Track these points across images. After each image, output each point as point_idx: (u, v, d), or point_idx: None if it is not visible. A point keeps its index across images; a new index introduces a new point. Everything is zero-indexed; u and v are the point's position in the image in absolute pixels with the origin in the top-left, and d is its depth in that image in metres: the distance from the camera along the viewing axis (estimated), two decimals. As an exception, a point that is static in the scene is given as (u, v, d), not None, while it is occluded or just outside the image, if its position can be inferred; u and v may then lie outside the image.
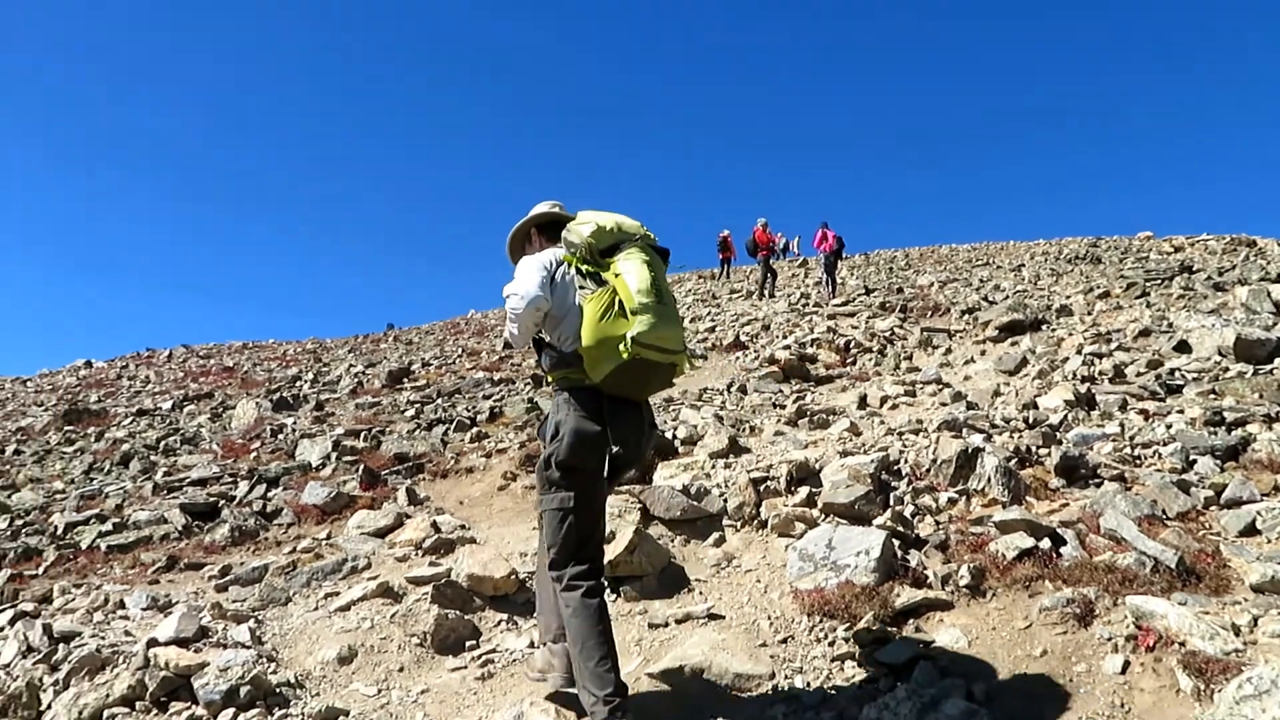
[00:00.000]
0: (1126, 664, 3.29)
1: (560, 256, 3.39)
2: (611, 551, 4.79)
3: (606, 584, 3.60)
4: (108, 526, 6.65)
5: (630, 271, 3.25)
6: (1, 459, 10.62)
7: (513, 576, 4.73)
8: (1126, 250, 21.19)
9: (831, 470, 5.59)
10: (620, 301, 3.18)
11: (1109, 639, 3.45)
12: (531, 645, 4.17)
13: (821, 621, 4.04)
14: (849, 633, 3.87)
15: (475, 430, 8.80)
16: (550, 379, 3.44)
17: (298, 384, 14.30)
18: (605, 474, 3.31)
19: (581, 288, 3.29)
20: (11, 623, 4.63)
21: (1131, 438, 5.82)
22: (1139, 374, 7.70)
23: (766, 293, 21.36)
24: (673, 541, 5.26)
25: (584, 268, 3.32)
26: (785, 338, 13.46)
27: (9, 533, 6.95)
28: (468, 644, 4.27)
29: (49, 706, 3.76)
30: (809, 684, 3.62)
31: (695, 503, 5.48)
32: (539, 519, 3.58)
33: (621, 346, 3.12)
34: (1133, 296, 12.52)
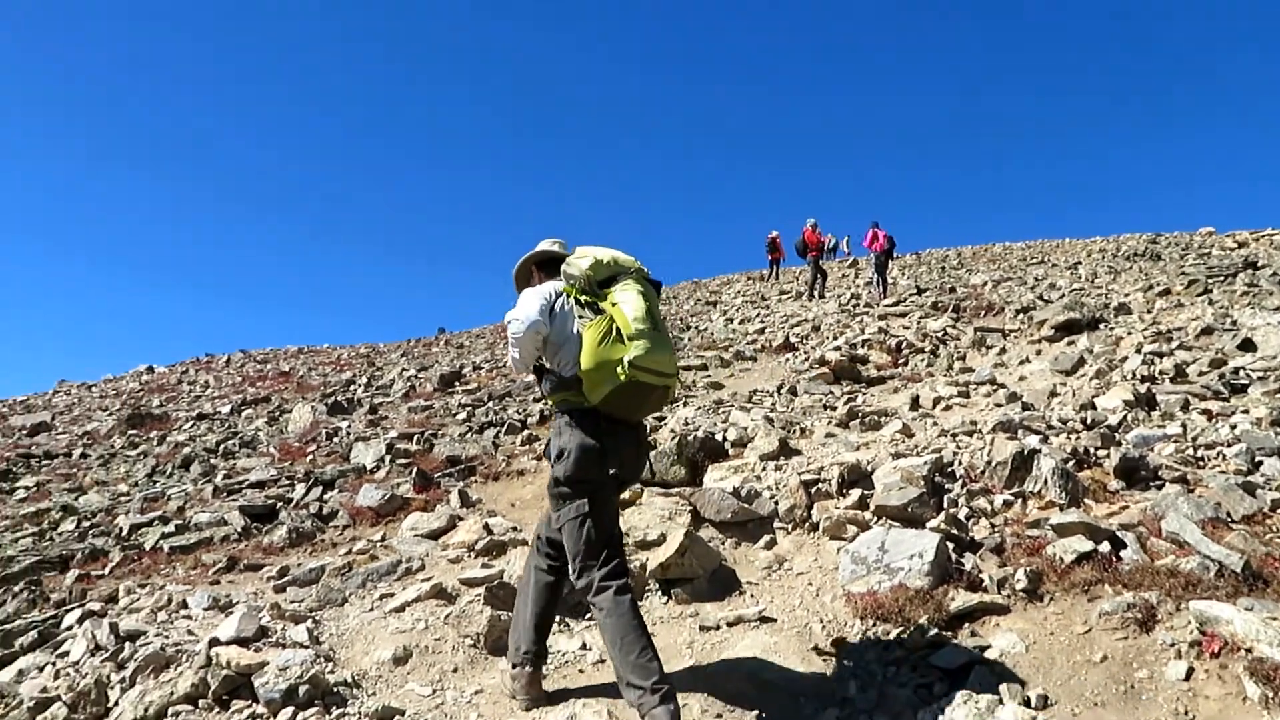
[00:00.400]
0: (1190, 670, 3.22)
1: (560, 288, 3.61)
2: (662, 554, 4.81)
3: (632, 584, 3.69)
4: (170, 528, 6.81)
5: (627, 301, 3.47)
6: (69, 462, 10.93)
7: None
8: (1187, 246, 20.69)
9: (884, 472, 5.54)
10: (617, 328, 3.40)
11: (1172, 645, 3.38)
12: (584, 646, 4.21)
13: (874, 625, 4.01)
14: (903, 636, 3.83)
15: (526, 433, 8.86)
16: (550, 402, 3.68)
17: (352, 388, 14.52)
18: (611, 486, 3.54)
19: (580, 316, 3.50)
20: (80, 621, 4.77)
21: (1194, 439, 5.69)
22: (1201, 373, 7.52)
23: (816, 293, 21.21)
24: (723, 544, 5.25)
25: (582, 298, 3.53)
26: (836, 339, 13.35)
27: (76, 534, 7.16)
28: (520, 645, 4.30)
29: (116, 704, 3.86)
30: (863, 688, 3.59)
31: (746, 505, 5.46)
32: (538, 538, 3.86)
33: (619, 369, 3.33)
34: (1194, 294, 12.23)
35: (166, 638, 4.35)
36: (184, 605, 4.97)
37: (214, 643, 4.05)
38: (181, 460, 9.76)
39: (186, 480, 8.80)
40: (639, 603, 4.12)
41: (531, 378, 3.83)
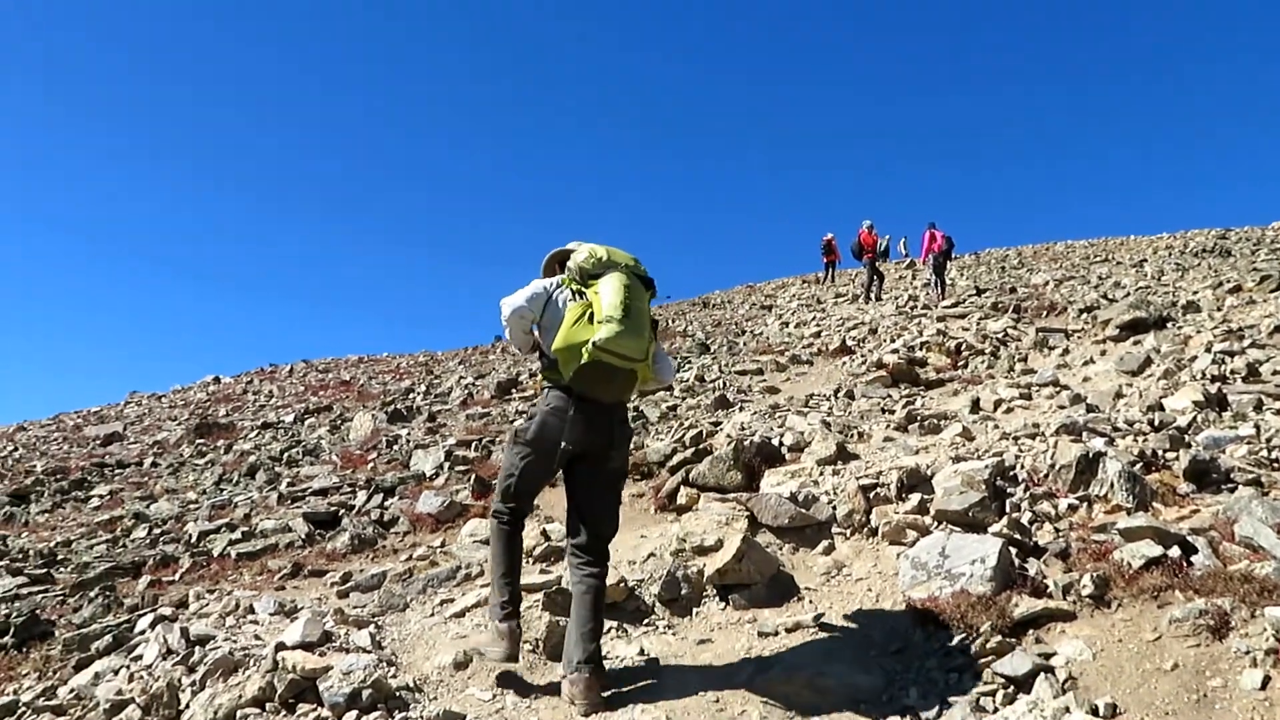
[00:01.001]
0: (1267, 679, 3.12)
1: (561, 280, 4.03)
2: (719, 560, 4.79)
3: (524, 527, 4.22)
4: (237, 535, 6.98)
5: (606, 289, 3.82)
6: (140, 471, 11.27)
7: (621, 584, 4.76)
8: (1259, 241, 20.06)
9: (944, 476, 5.45)
10: (592, 313, 3.77)
11: (1246, 652, 3.27)
12: (642, 652, 4.21)
13: (936, 631, 3.94)
14: (965, 643, 3.77)
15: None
16: (541, 378, 4.09)
17: (411, 396, 14.74)
18: (560, 458, 3.89)
19: (569, 304, 3.87)
20: (152, 625, 4.90)
21: (1268, 440, 5.51)
22: (1275, 371, 7.29)
23: (873, 295, 21.00)
24: (781, 549, 5.22)
25: (574, 287, 3.92)
26: (893, 341, 13.20)
27: (148, 541, 7.37)
28: (579, 651, 4.32)
29: (187, 706, 3.96)
30: (924, 695, 3.54)
31: (803, 510, 5.42)
32: (569, 549, 4.14)
33: (584, 349, 3.68)
34: (1267, 290, 11.85)
35: (234, 642, 4.45)
36: (251, 610, 5.08)
37: (280, 647, 4.13)
38: (247, 468, 10.00)
39: (252, 488, 9.01)
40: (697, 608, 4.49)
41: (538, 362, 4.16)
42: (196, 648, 4.39)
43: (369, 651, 4.21)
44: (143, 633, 4.89)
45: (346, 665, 3.95)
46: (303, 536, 6.78)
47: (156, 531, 7.63)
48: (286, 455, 10.60)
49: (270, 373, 22.64)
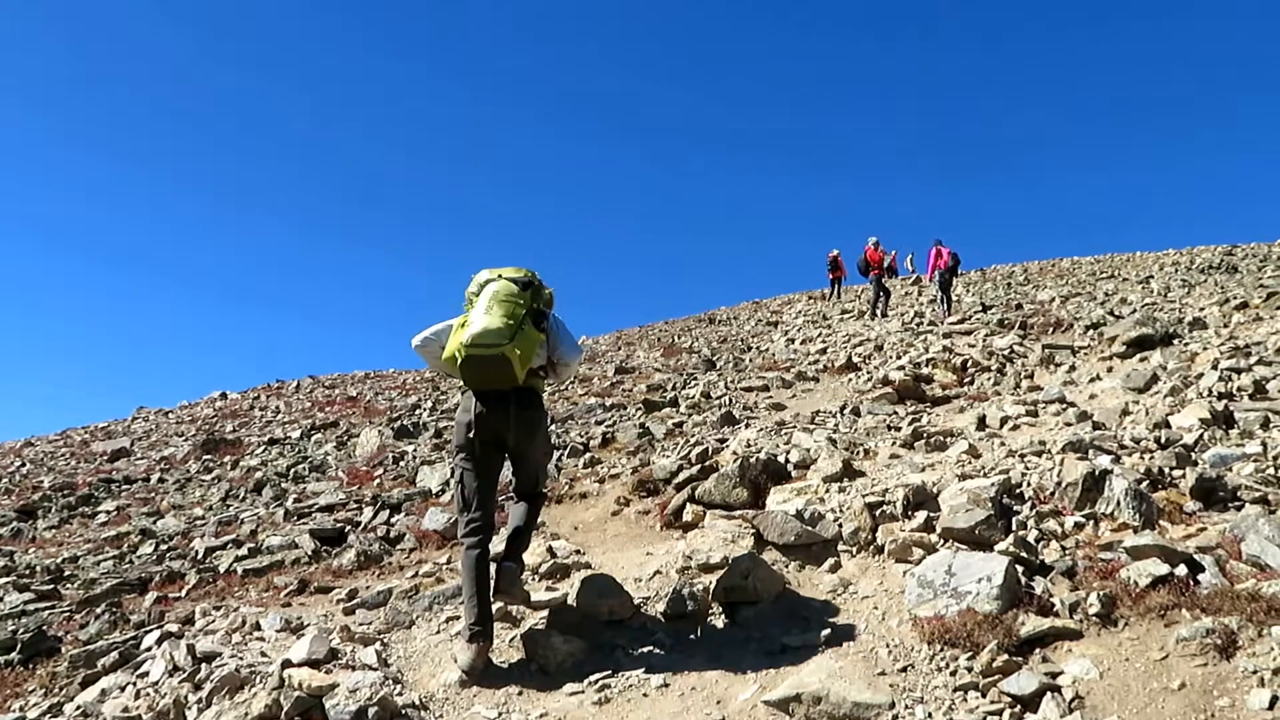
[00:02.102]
0: (1274, 699, 3.11)
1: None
2: (725, 578, 4.80)
3: (493, 536, 4.66)
4: (244, 551, 6.99)
5: (478, 299, 4.52)
6: (147, 487, 11.30)
7: (628, 601, 4.77)
8: (1266, 258, 20.06)
9: (950, 494, 5.44)
10: (466, 323, 4.45)
11: (1254, 672, 3.27)
12: (648, 670, 4.20)
13: (942, 650, 3.93)
14: (972, 662, 3.76)
15: (588, 455, 8.91)
16: None
17: (417, 412, 14.75)
18: (491, 449, 4.53)
19: None
20: (159, 642, 4.92)
21: (1275, 458, 5.49)
22: (1282, 389, 7.27)
23: (879, 312, 21.01)
24: (787, 567, 5.22)
25: (466, 308, 4.60)
26: (899, 358, 13.20)
27: (155, 557, 7.39)
28: (585, 669, 4.32)
29: (194, 723, 3.97)
30: (930, 714, 3.53)
31: (809, 528, 5.42)
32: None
33: (457, 352, 4.35)
34: (1274, 307, 11.84)
35: (241, 659, 4.47)
36: (257, 627, 5.09)
37: (286, 664, 4.15)
38: (254, 484, 10.03)
39: (259, 504, 9.03)
40: (703, 625, 4.53)
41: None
42: (203, 665, 4.41)
43: (375, 669, 4.22)
44: (149, 649, 4.91)
45: (353, 683, 3.97)
46: (309, 553, 6.79)
47: (163, 548, 7.65)
48: (293, 471, 10.62)
49: (277, 389, 22.69)
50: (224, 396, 22.38)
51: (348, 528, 7.38)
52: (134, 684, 4.48)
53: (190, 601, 6.04)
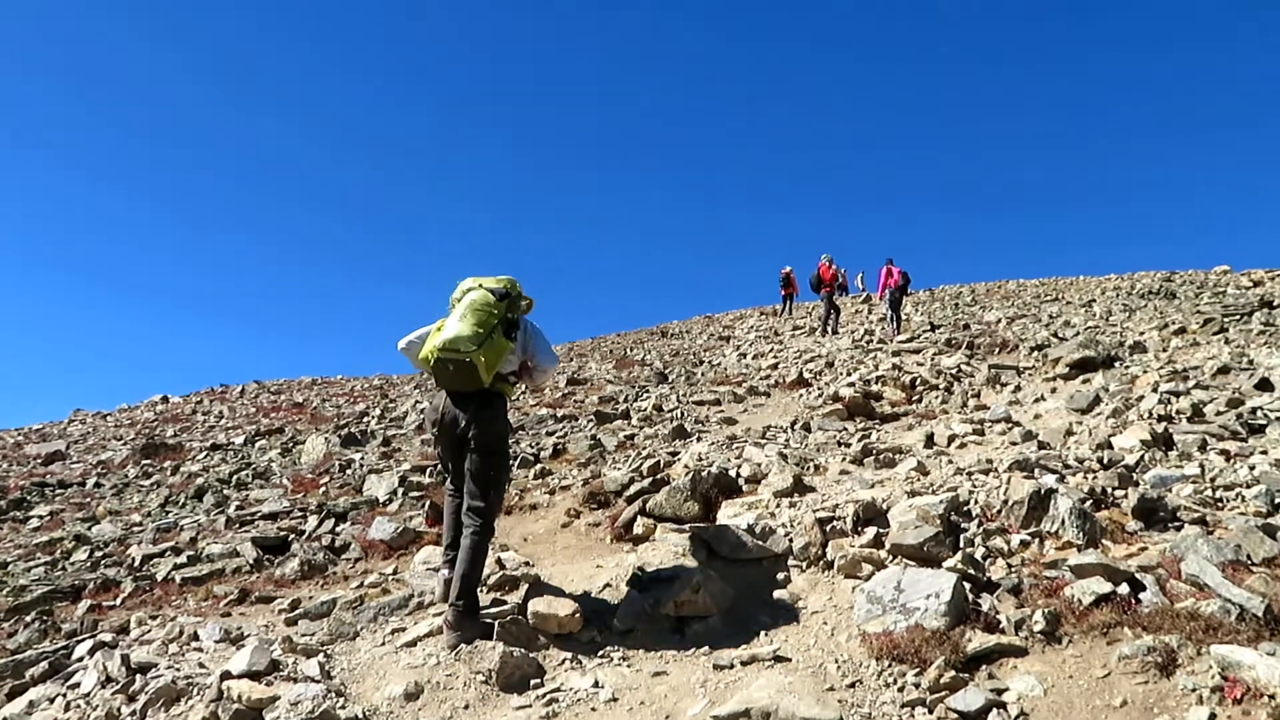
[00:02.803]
0: (1212, 716, 3.18)
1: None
2: (675, 591, 4.78)
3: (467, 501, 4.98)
4: (182, 559, 6.81)
5: (456, 307, 4.88)
6: (83, 491, 10.97)
7: (577, 614, 4.72)
8: (1202, 285, 20.60)
9: (899, 510, 5.50)
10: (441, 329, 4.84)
11: (1193, 690, 3.33)
12: (596, 684, 4.17)
13: (890, 666, 3.96)
14: (919, 678, 3.79)
15: (539, 467, 8.85)
16: None
17: (365, 420, 14.55)
18: (454, 444, 4.95)
19: None
20: (91, 652, 4.77)
21: (1212, 479, 5.63)
22: (1219, 413, 7.47)
23: (830, 329, 21.21)
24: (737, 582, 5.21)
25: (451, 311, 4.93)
26: (849, 375, 13.33)
27: (89, 564, 7.17)
28: (532, 682, 4.26)
29: (126, 736, 3.85)
30: (878, 730, 3.54)
31: (760, 542, 5.43)
32: None
33: (429, 354, 4.77)
34: (1210, 333, 12.18)
35: (178, 670, 4.34)
36: (195, 637, 4.96)
37: (226, 676, 4.04)
38: (195, 491, 9.79)
39: (199, 511, 8.81)
40: (653, 639, 4.64)
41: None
42: (138, 676, 4.28)
43: (318, 681, 4.13)
44: (81, 659, 4.75)
45: (295, 695, 3.88)
46: (251, 562, 6.64)
47: (98, 554, 7.42)
48: (236, 478, 10.39)
49: (220, 393, 22.23)
50: (165, 400, 21.86)
51: (291, 536, 7.23)
52: (64, 695, 4.33)
53: (125, 610, 5.87)
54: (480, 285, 4.92)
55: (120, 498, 10.30)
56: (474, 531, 4.79)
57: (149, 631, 5.20)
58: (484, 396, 4.88)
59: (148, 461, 12.65)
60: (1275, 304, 14.23)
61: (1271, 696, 3.12)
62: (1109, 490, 5.58)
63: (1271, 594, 3.87)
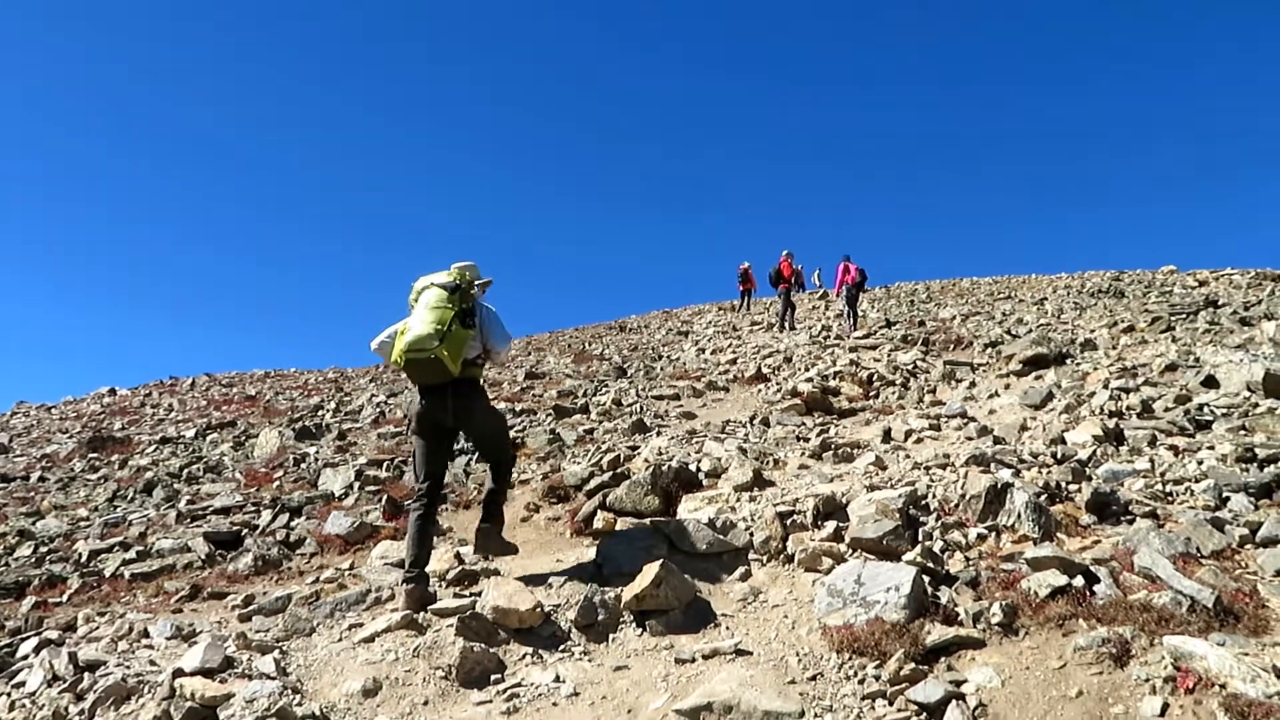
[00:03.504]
0: (1165, 706, 3.23)
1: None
2: (637, 586, 4.77)
3: (436, 507, 5.47)
4: (131, 554, 6.67)
5: (415, 307, 5.22)
6: (26, 486, 10.68)
7: (538, 609, 4.69)
8: (1150, 284, 21.04)
9: (859, 505, 5.54)
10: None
11: (1146, 680, 3.39)
12: (557, 679, 4.14)
13: (851, 659, 3.98)
14: (879, 670, 3.81)
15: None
16: None
17: (320, 413, 14.34)
18: (434, 433, 5.27)
19: None
20: (36, 650, 4.65)
21: (1162, 474, 5.75)
22: (1167, 409, 7.62)
23: (787, 325, 21.33)
24: (698, 576, 5.22)
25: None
26: (807, 370, 13.42)
27: (33, 560, 6.98)
28: (493, 678, 4.23)
29: (74, 736, 3.75)
30: (839, 723, 3.56)
31: (721, 536, 5.44)
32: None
33: (398, 357, 5.07)
34: (1158, 331, 12.43)
35: (128, 668, 4.24)
36: (145, 634, 4.85)
37: (178, 673, 3.96)
38: (144, 485, 9.58)
39: (149, 505, 8.63)
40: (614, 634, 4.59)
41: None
42: (86, 674, 4.18)
43: (273, 678, 4.06)
44: (25, 657, 4.63)
45: (249, 692, 3.81)
46: (202, 557, 6.52)
47: (43, 550, 7.23)
48: (186, 472, 10.18)
49: (170, 385, 21.80)
50: (113, 393, 21.38)
51: (245, 531, 7.11)
52: (8, 694, 4.21)
53: (72, 607, 5.74)
54: (432, 284, 5.24)
55: (66, 492, 10.05)
56: (496, 479, 5.55)
57: (97, 629, 5.08)
58: (458, 385, 5.19)
59: (95, 455, 12.35)
60: (1220, 303, 14.57)
61: (1222, 686, 3.18)
62: (1063, 484, 5.67)
63: (1220, 585, 3.96)
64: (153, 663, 4.40)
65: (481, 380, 5.55)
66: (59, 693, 4.04)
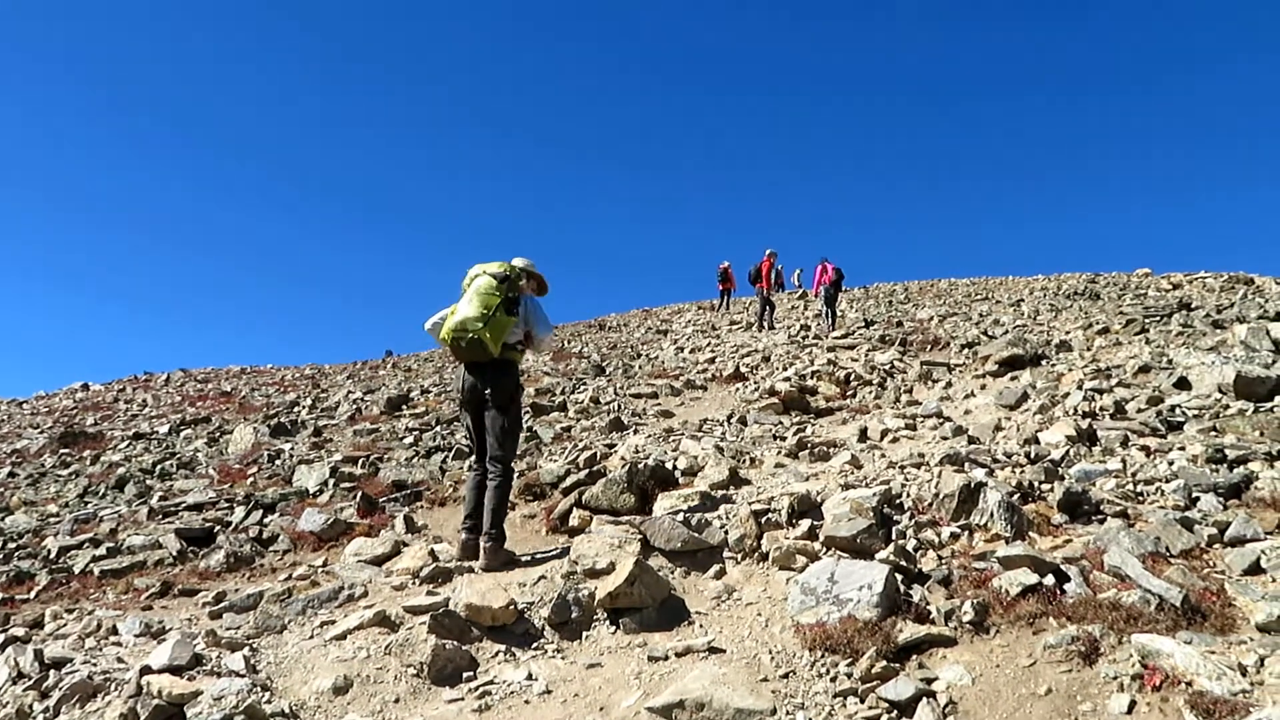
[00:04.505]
0: (1133, 704, 3.25)
1: None
2: (611, 583, 4.77)
3: (488, 469, 5.83)
4: (101, 551, 6.60)
5: (466, 291, 5.80)
6: (-4, 481, 10.55)
7: (511, 607, 4.68)
8: (1125, 287, 21.24)
9: (833, 503, 5.56)
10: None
11: (1114, 678, 3.41)
12: (530, 677, 4.13)
13: (824, 656, 3.99)
14: (851, 668, 3.82)
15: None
16: None
17: (296, 410, 14.26)
18: (475, 407, 5.85)
19: None
20: (2, 648, 4.57)
21: (1134, 474, 5.80)
22: (1140, 410, 7.68)
23: (765, 324, 21.39)
24: (673, 573, 5.22)
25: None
26: (785, 370, 13.45)
27: (1, 556, 6.89)
28: (465, 675, 4.21)
29: (39, 734, 3.70)
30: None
31: (696, 534, 5.44)
32: None
33: (445, 335, 5.73)
34: (1132, 333, 12.53)
35: (94, 665, 4.19)
36: (114, 631, 4.80)
37: (145, 671, 3.91)
38: (116, 481, 9.48)
39: (120, 502, 8.55)
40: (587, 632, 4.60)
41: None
42: (51, 671, 4.12)
43: (243, 675, 4.02)
44: (-10, 654, 4.55)
45: (218, 690, 3.77)
46: (174, 554, 6.46)
47: (11, 546, 7.14)
48: (159, 468, 10.09)
49: (145, 381, 21.60)
50: (86, 388, 21.16)
51: (217, 528, 7.05)
52: (-28, 692, 4.15)
53: (40, 604, 5.67)
54: (484, 272, 5.81)
55: (36, 488, 9.93)
56: (496, 475, 5.73)
57: (64, 626, 5.02)
58: (495, 364, 5.74)
59: (66, 450, 12.22)
60: (1193, 306, 14.72)
61: (1189, 683, 3.21)
62: (1036, 484, 5.70)
63: (1188, 584, 3.99)
64: (120, 660, 4.35)
65: (519, 365, 6.01)
66: (23, 690, 3.99)
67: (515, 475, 6.34)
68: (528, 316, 5.91)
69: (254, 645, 4.55)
